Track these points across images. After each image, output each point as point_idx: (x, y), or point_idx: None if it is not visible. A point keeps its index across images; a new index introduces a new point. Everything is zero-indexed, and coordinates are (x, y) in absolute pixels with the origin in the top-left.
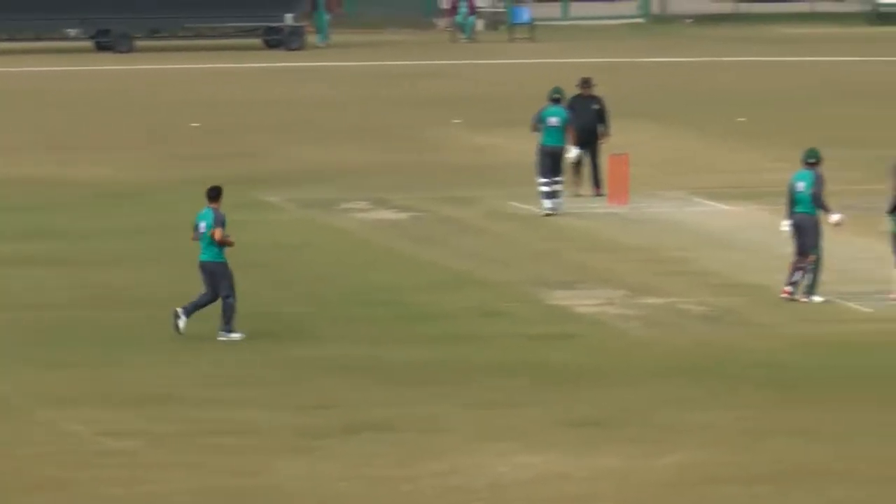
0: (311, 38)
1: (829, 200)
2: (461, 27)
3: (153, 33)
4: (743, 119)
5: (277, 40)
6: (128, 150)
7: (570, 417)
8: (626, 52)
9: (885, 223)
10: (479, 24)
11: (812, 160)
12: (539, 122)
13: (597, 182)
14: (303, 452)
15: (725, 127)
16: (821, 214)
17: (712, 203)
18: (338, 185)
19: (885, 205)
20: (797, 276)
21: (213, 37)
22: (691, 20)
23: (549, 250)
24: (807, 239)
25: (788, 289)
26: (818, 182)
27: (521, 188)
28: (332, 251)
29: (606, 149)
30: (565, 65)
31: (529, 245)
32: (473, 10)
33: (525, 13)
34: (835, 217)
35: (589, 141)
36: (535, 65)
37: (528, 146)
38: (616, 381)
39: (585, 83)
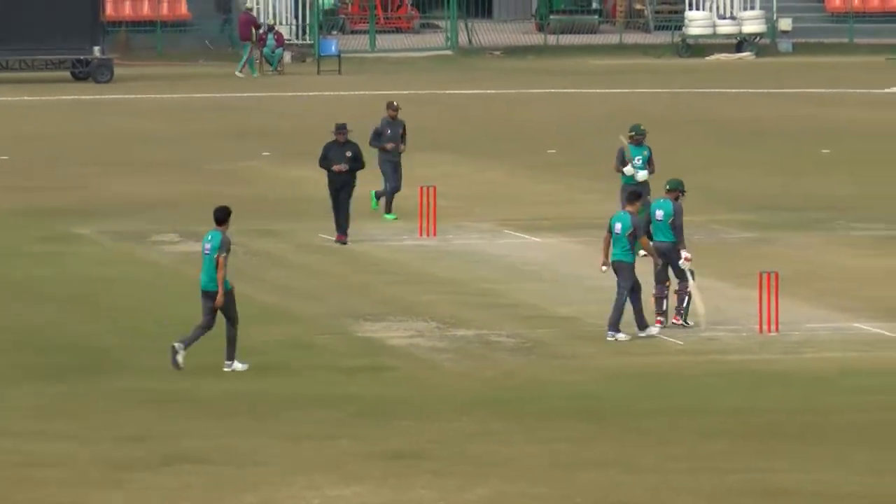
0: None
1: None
2: (268, 59)
3: None
4: (553, 151)
5: (86, 73)
6: None
7: (384, 450)
8: (434, 84)
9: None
10: (287, 57)
11: (670, 188)
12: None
13: (345, 229)
14: (117, 485)
15: (535, 159)
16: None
17: (522, 235)
18: (148, 217)
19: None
20: (685, 302)
21: (22, 69)
22: (499, 52)
23: (360, 283)
24: (674, 265)
25: (661, 318)
26: (678, 213)
27: (331, 221)
28: (144, 283)
29: (413, 181)
30: (373, 97)
31: (340, 278)
32: (281, 43)
33: (332, 45)
34: (685, 254)
35: (343, 187)
36: (342, 97)
37: None
38: (428, 414)
39: (340, 130)
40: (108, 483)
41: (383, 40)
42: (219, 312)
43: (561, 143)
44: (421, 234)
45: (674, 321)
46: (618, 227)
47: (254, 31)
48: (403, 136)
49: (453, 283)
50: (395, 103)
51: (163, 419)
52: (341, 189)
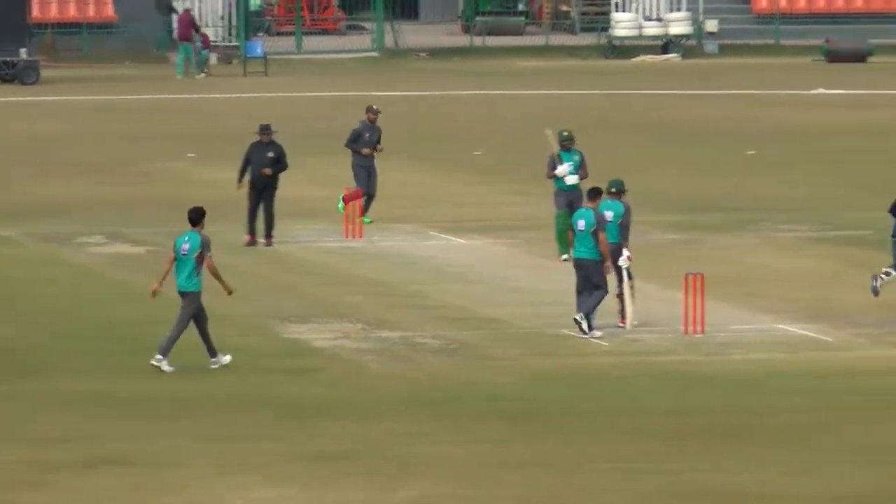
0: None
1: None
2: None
3: None
4: (478, 152)
5: (12, 75)
6: None
7: (309, 451)
8: (360, 86)
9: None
10: (213, 59)
11: (615, 190)
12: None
13: (269, 231)
14: (39, 487)
15: (461, 160)
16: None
17: (448, 237)
18: (74, 219)
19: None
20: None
21: None
22: (426, 54)
23: (286, 284)
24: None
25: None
26: (627, 213)
27: (258, 222)
28: (69, 285)
29: (340, 182)
30: (300, 98)
31: (266, 279)
32: (207, 45)
33: (258, 47)
34: (626, 252)
35: (265, 188)
36: (269, 99)
37: None
38: (354, 415)
39: (264, 130)
40: (30, 485)
41: (310, 42)
42: (193, 316)
43: (487, 145)
44: (347, 236)
45: (620, 324)
46: (581, 223)
47: (194, 32)
48: (378, 140)
49: (379, 284)
50: (374, 107)
51: (86, 421)
52: (264, 190)
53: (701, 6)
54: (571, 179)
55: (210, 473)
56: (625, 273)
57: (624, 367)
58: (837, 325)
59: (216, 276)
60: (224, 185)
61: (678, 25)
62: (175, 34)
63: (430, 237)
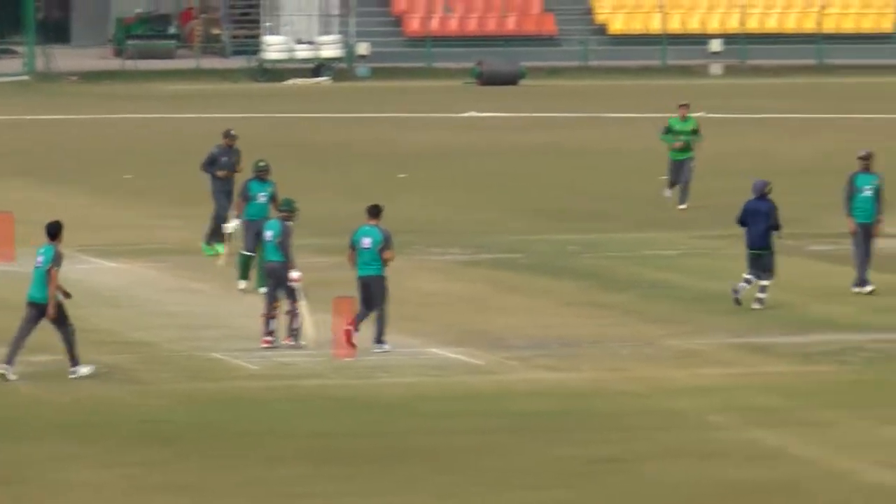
0: None
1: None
2: None
3: None
4: (129, 176)
5: None
6: None
7: None
8: (11, 110)
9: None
10: None
11: (281, 209)
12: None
13: None
14: None
15: (112, 184)
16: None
17: (99, 260)
18: None
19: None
20: (273, 324)
21: None
22: (77, 77)
23: None
24: (284, 285)
25: (269, 338)
26: (287, 233)
27: None
28: None
29: None
30: None
31: None
32: None
33: None
34: (295, 274)
35: None
36: None
37: None
38: (3, 438)
39: None
40: None
41: None
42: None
43: (137, 169)
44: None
45: (285, 342)
46: (366, 241)
47: None
48: (237, 163)
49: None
50: (231, 131)
51: None
52: None
53: (352, 29)
54: (229, 228)
55: None
56: (298, 294)
57: (273, 390)
58: (489, 348)
59: (51, 288)
60: None
61: (329, 49)
62: None
63: (81, 261)
